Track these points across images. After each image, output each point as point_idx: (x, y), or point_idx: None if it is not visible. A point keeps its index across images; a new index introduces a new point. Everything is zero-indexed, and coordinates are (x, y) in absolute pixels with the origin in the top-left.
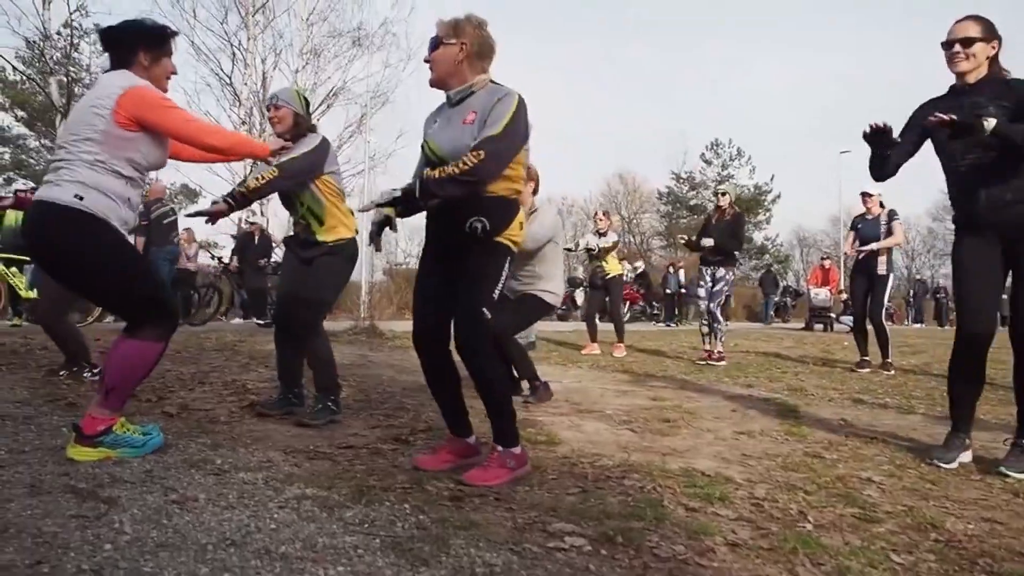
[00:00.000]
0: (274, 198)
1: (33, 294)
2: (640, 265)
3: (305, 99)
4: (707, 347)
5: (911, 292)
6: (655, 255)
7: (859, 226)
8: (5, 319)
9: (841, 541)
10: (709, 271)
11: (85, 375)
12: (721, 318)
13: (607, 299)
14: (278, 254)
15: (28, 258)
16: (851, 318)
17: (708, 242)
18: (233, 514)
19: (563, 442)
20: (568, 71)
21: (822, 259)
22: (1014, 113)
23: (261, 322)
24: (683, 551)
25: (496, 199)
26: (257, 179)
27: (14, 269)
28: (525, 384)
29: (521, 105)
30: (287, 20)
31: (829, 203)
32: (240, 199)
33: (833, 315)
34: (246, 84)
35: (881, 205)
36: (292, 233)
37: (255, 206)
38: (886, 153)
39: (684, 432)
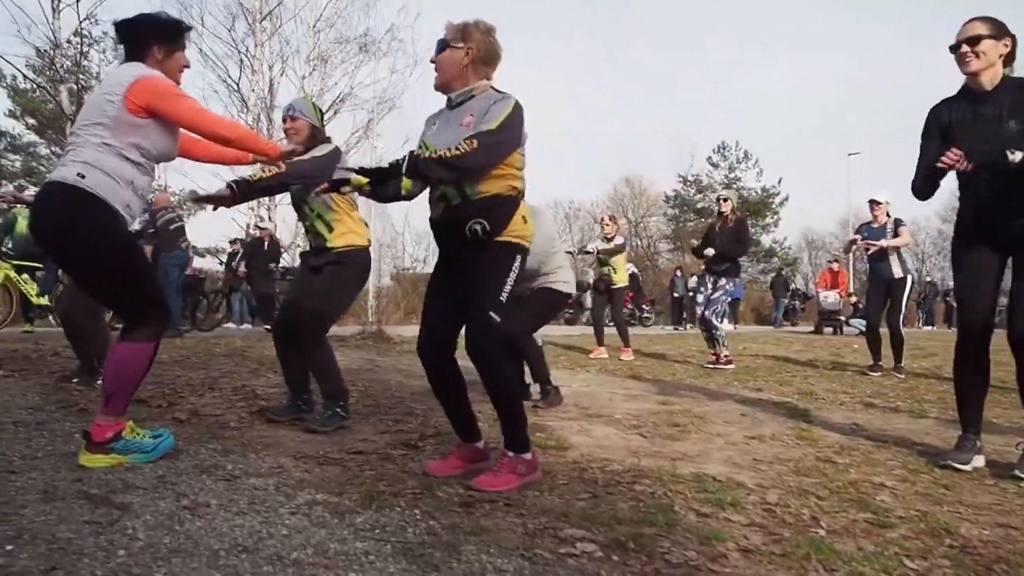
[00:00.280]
0: (283, 203)
1: (44, 300)
2: (630, 267)
3: (320, 110)
4: (714, 352)
5: (921, 295)
6: (662, 258)
7: (865, 235)
8: (17, 325)
9: (854, 547)
10: (711, 279)
11: (99, 382)
12: (718, 323)
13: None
14: (287, 259)
15: (40, 265)
16: (861, 321)
17: (710, 252)
18: (245, 520)
19: (573, 447)
20: (571, 72)
21: (830, 262)
22: None
23: (269, 327)
24: (695, 557)
25: (492, 198)
26: (263, 171)
27: (25, 276)
28: (535, 388)
29: (517, 108)
30: (294, 27)
31: (838, 205)
32: (244, 188)
33: (843, 318)
34: (253, 90)
35: (887, 214)
36: (308, 248)
37: (264, 212)
38: (941, 180)
39: (694, 437)
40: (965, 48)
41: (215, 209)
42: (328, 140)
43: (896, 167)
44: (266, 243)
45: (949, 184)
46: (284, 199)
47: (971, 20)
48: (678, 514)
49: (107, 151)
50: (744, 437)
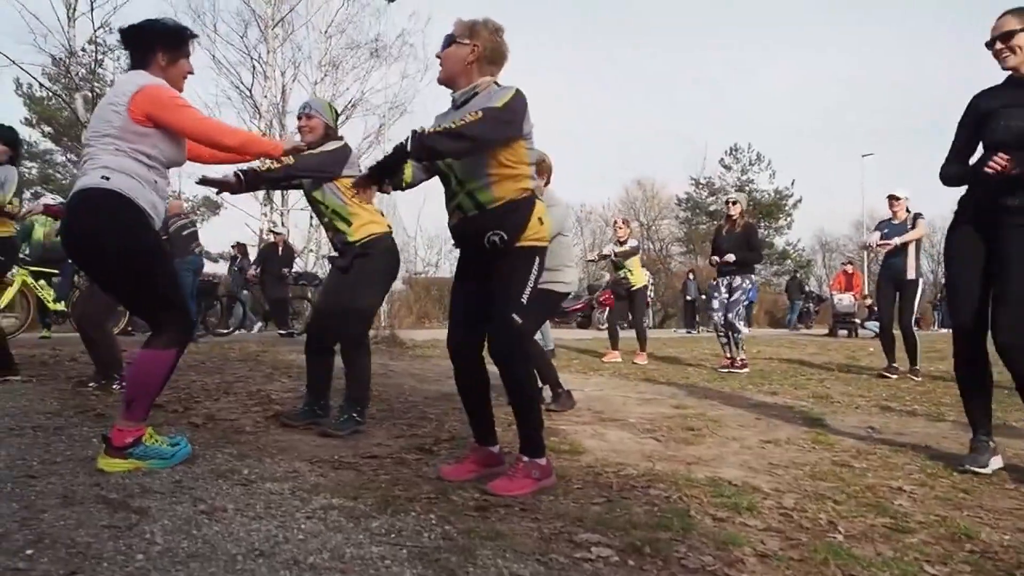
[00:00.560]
0: (296, 208)
1: (61, 306)
2: (604, 275)
3: (335, 112)
4: (728, 355)
5: (937, 296)
6: (674, 261)
7: (885, 231)
8: (34, 331)
9: (873, 552)
10: (725, 281)
11: (115, 387)
12: (740, 326)
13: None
14: (300, 264)
15: (56, 271)
16: (876, 324)
17: (730, 258)
18: (261, 524)
19: (587, 451)
20: (578, 74)
21: (845, 264)
22: None
23: (283, 332)
24: (712, 562)
25: (507, 205)
26: (272, 162)
27: (42, 282)
28: (547, 391)
29: (520, 94)
30: (306, 33)
31: (851, 206)
32: (251, 177)
33: (857, 321)
34: (266, 96)
35: (907, 210)
36: (333, 250)
37: (277, 217)
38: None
39: (709, 441)
40: (1000, 45)
41: (219, 193)
42: (340, 139)
43: (909, 167)
44: (280, 248)
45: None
46: (297, 203)
47: (1004, 15)
48: (694, 519)
49: (123, 155)
50: (759, 441)
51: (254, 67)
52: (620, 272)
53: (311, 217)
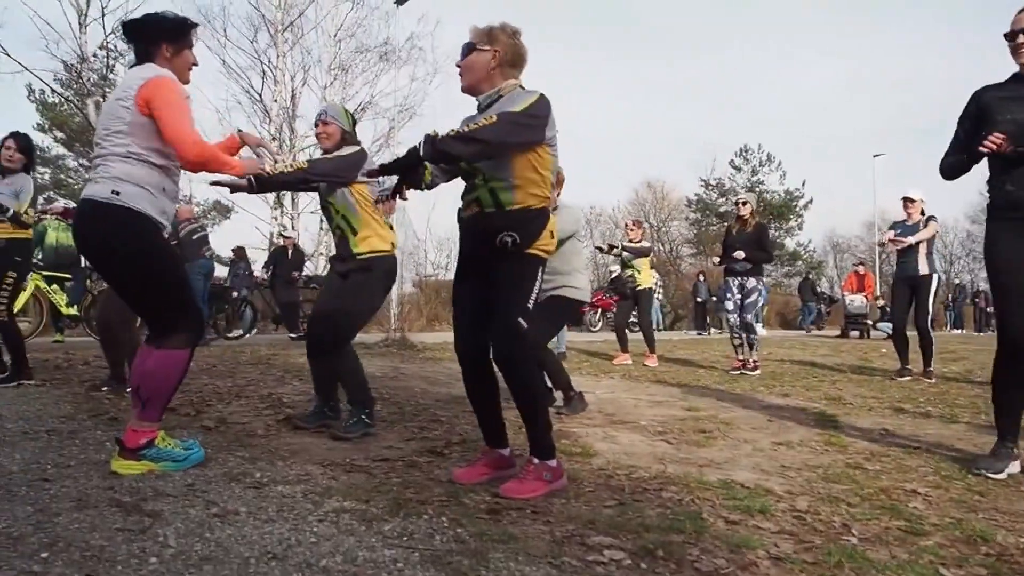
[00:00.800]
0: (306, 212)
1: (73, 311)
2: (615, 270)
3: (353, 117)
4: (740, 357)
5: (950, 297)
6: (685, 263)
7: (898, 231)
8: (47, 335)
9: (888, 555)
10: (736, 282)
11: (127, 390)
12: (757, 327)
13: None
14: (310, 268)
15: (68, 276)
16: (888, 324)
17: (740, 255)
18: (274, 527)
19: (598, 454)
20: (584, 76)
21: (856, 265)
22: None
23: (293, 335)
24: (725, 565)
25: (524, 211)
26: (286, 166)
27: (55, 286)
28: (559, 394)
29: (543, 99)
30: (315, 37)
31: (863, 207)
32: (263, 180)
33: (869, 322)
34: (276, 101)
35: (921, 212)
36: (335, 253)
37: (287, 220)
38: (972, 166)
39: (721, 443)
40: (1022, 39)
41: (232, 192)
42: (357, 144)
43: (921, 167)
44: (289, 251)
45: (977, 184)
46: (307, 206)
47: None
48: (706, 521)
49: (135, 161)
50: (772, 443)
51: (264, 71)
52: (627, 271)
53: (321, 220)
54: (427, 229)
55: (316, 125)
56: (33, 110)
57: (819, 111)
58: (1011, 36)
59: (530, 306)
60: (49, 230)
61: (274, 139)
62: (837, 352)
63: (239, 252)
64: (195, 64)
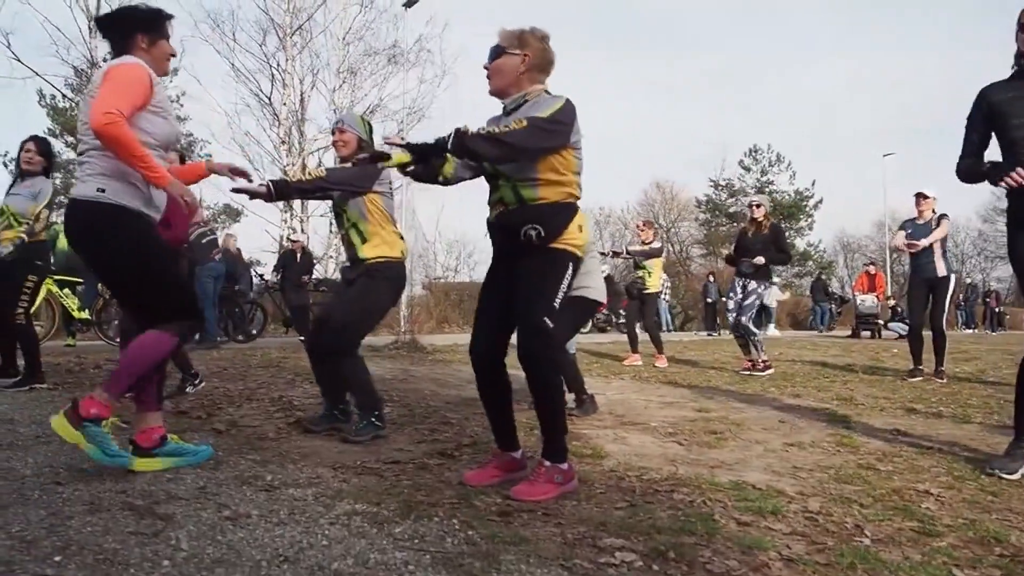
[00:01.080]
0: (315, 215)
1: (85, 315)
2: (605, 268)
3: (369, 125)
4: (749, 358)
5: (962, 296)
6: (694, 264)
7: (909, 231)
8: (59, 339)
9: (901, 556)
10: (741, 282)
11: (188, 388)
12: (754, 328)
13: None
14: (319, 271)
15: (80, 280)
16: (900, 324)
17: (760, 260)
18: (285, 530)
19: (609, 455)
20: (590, 76)
21: (867, 265)
22: None
23: (303, 338)
24: (737, 566)
25: (549, 205)
26: (304, 174)
27: (67, 290)
28: (571, 396)
29: (569, 104)
30: (324, 40)
31: (873, 206)
32: (281, 187)
33: (880, 322)
34: (284, 104)
35: (933, 210)
36: (346, 260)
37: (296, 223)
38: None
39: (732, 444)
40: None
41: (252, 199)
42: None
43: (931, 167)
44: (299, 255)
45: (989, 185)
46: (316, 211)
47: None
48: (718, 523)
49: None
50: (783, 444)
51: (273, 75)
52: (638, 272)
53: (330, 223)
54: (436, 231)
55: (333, 132)
56: (44, 115)
57: (826, 111)
58: (1022, 28)
59: (557, 304)
60: (61, 234)
61: (283, 142)
62: (848, 352)
63: (232, 255)
64: (173, 55)
